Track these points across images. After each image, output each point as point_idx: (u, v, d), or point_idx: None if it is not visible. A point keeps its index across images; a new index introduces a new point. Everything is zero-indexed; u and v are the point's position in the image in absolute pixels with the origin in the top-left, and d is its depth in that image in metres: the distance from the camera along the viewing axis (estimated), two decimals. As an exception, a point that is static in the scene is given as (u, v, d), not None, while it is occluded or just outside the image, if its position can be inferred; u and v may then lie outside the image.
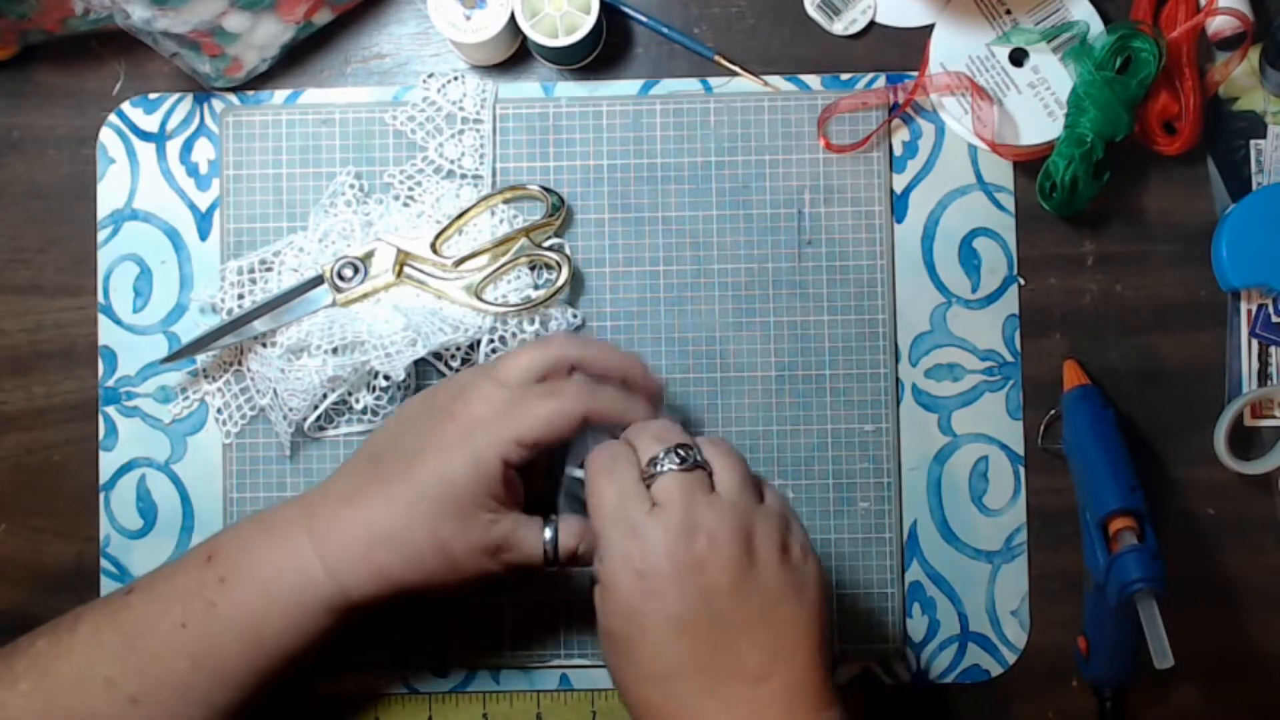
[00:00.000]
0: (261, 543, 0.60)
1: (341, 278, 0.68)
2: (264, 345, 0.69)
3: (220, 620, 0.59)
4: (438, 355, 0.69)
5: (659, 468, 0.56)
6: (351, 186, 0.70)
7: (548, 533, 0.60)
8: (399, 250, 0.68)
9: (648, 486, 0.56)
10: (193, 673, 0.59)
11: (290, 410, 0.68)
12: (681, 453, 0.56)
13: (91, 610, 0.60)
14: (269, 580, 0.59)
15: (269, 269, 0.70)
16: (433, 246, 0.68)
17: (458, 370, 0.69)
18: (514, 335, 0.69)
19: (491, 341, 0.69)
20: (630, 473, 0.56)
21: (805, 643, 0.54)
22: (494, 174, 0.71)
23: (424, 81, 0.71)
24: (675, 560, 0.53)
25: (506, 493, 0.59)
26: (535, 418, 0.58)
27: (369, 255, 0.69)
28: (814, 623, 0.55)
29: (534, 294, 0.69)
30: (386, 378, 0.68)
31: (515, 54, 0.72)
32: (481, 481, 0.58)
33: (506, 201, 0.70)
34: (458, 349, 0.69)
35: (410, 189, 0.70)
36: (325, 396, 0.68)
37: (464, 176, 0.71)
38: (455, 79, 0.71)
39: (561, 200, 0.70)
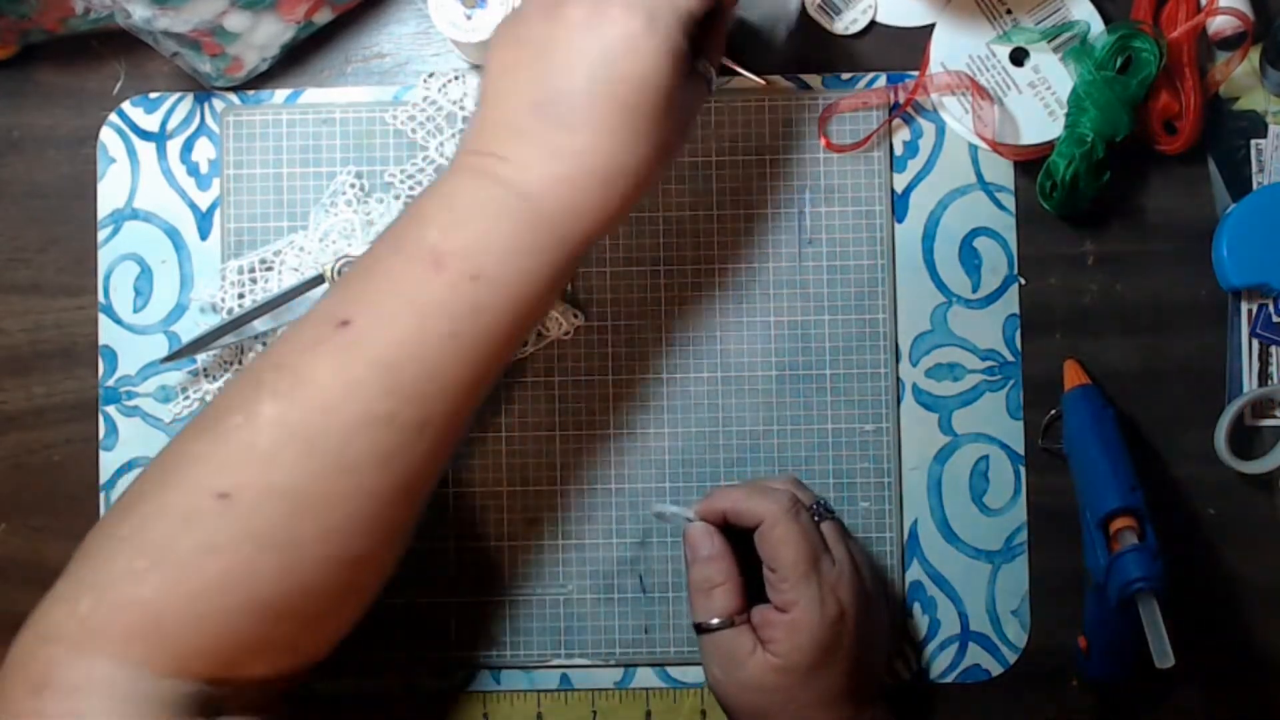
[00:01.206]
0: (495, 232, 0.56)
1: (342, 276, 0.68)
2: (264, 345, 0.69)
3: (490, 314, 0.56)
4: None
5: (816, 518, 0.65)
6: (352, 186, 0.70)
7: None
8: None
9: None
10: (474, 381, 0.56)
11: None
12: (822, 503, 0.66)
13: (301, 355, 0.55)
14: (522, 265, 0.56)
15: (269, 268, 0.70)
16: None
17: None
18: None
19: None
20: (814, 529, 0.64)
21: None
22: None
23: (424, 81, 0.71)
24: (856, 603, 0.62)
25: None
26: None
27: None
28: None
29: None
30: None
31: (515, 53, 0.72)
32: (679, 70, 0.57)
33: None
34: None
35: (411, 188, 0.70)
36: None
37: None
38: (456, 78, 0.71)
39: None
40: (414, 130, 0.71)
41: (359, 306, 0.55)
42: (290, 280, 0.69)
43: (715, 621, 0.63)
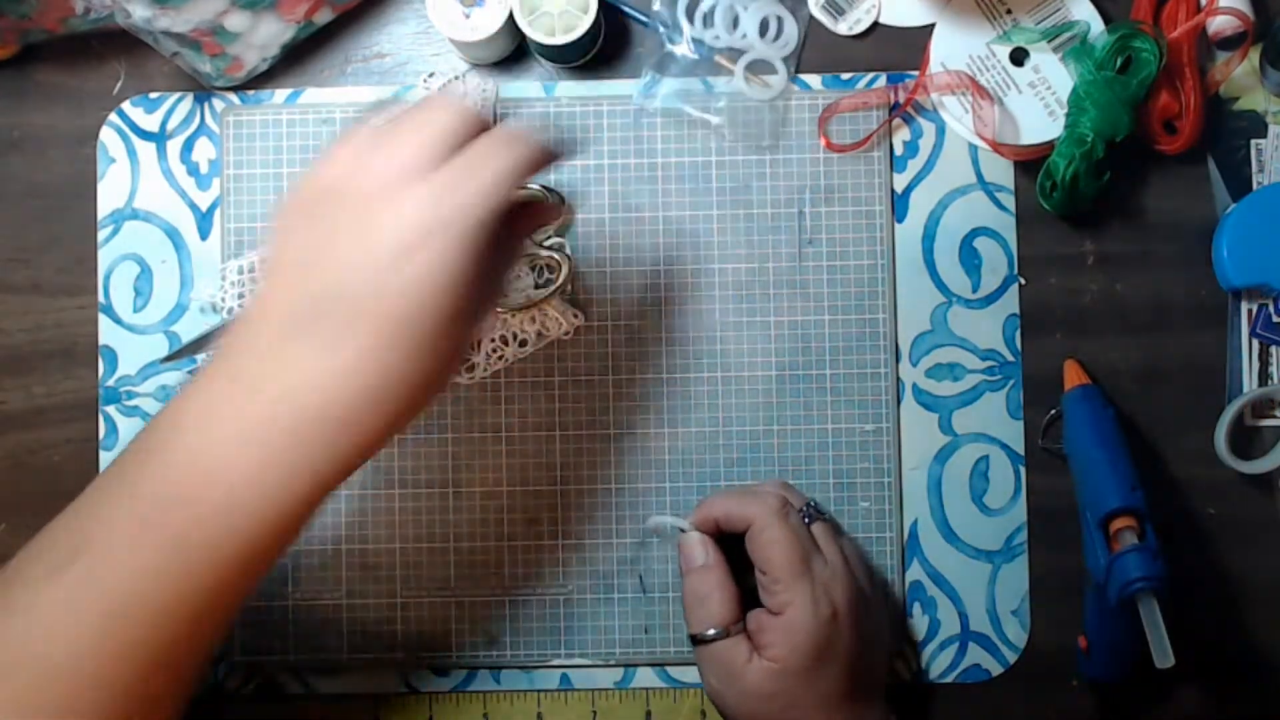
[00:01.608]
0: (243, 459, 0.51)
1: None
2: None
3: (219, 551, 0.51)
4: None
5: (806, 519, 0.65)
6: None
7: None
8: None
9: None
10: (207, 607, 0.52)
11: None
12: (813, 504, 0.67)
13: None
14: (271, 496, 0.51)
15: None
16: None
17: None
18: (514, 336, 0.69)
19: (492, 341, 0.69)
20: (804, 530, 0.64)
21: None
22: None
23: (424, 81, 0.71)
24: (850, 601, 0.63)
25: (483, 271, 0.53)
26: (475, 193, 0.51)
27: None
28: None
29: (534, 294, 0.69)
30: None
31: (515, 53, 0.72)
32: (470, 280, 0.52)
33: None
34: None
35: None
36: None
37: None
38: (456, 78, 0.71)
39: (562, 199, 0.70)
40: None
41: (85, 544, 0.51)
42: None
43: (711, 632, 0.63)
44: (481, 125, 0.53)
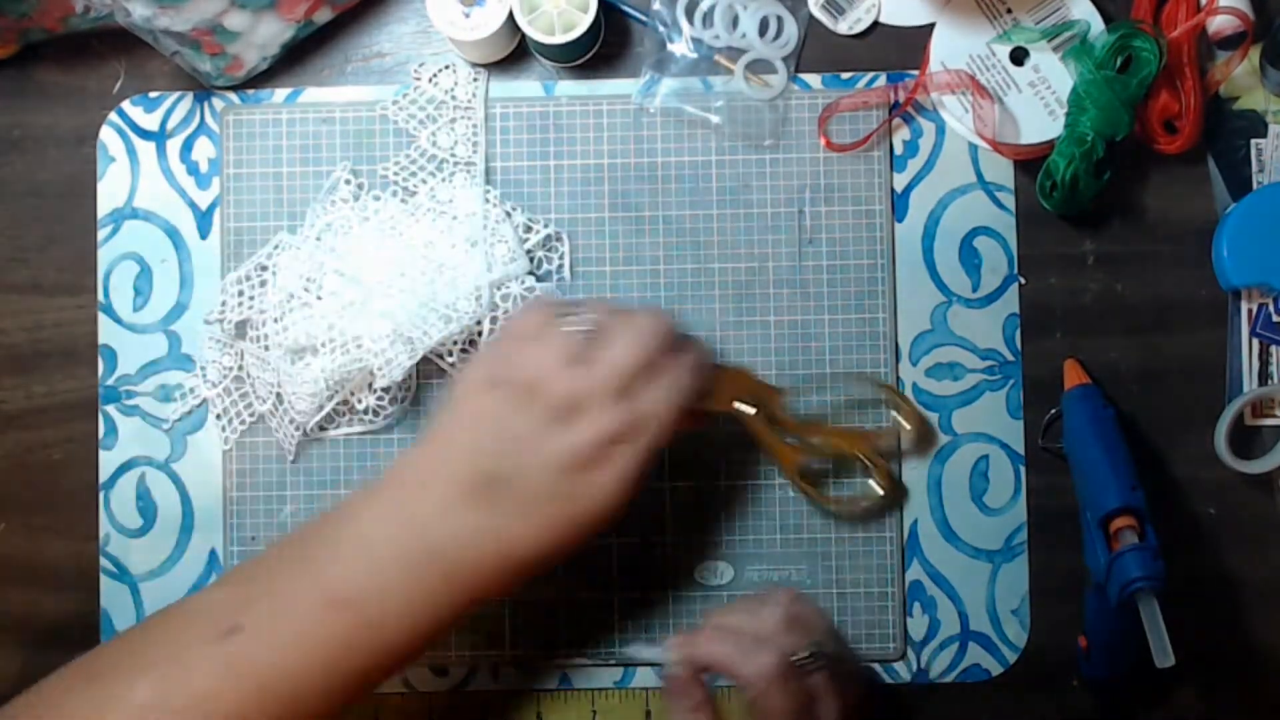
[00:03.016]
0: (401, 585, 0.57)
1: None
2: (266, 349, 0.69)
3: (379, 654, 0.58)
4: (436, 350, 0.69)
5: (807, 667, 0.61)
6: (348, 183, 0.70)
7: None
8: None
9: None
10: (336, 703, 0.58)
11: (298, 413, 0.68)
12: (817, 649, 0.61)
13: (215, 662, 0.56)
14: (418, 619, 0.58)
15: (267, 274, 0.70)
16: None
17: (454, 364, 0.69)
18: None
19: (494, 330, 0.68)
20: (803, 691, 0.60)
21: None
22: (486, 161, 0.71)
23: (415, 71, 0.71)
24: None
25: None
26: (661, 417, 0.59)
27: None
28: None
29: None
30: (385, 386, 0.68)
31: (515, 52, 0.72)
32: (638, 486, 0.60)
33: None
34: (455, 342, 0.68)
35: (405, 180, 0.70)
36: (331, 397, 0.68)
37: (457, 164, 0.70)
38: (446, 68, 0.71)
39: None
40: (406, 120, 0.71)
41: (250, 616, 0.56)
42: (289, 283, 0.68)
43: None
44: (674, 342, 0.61)
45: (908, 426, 0.69)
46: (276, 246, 0.70)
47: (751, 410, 0.66)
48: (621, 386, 0.58)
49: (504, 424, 0.58)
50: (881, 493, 0.68)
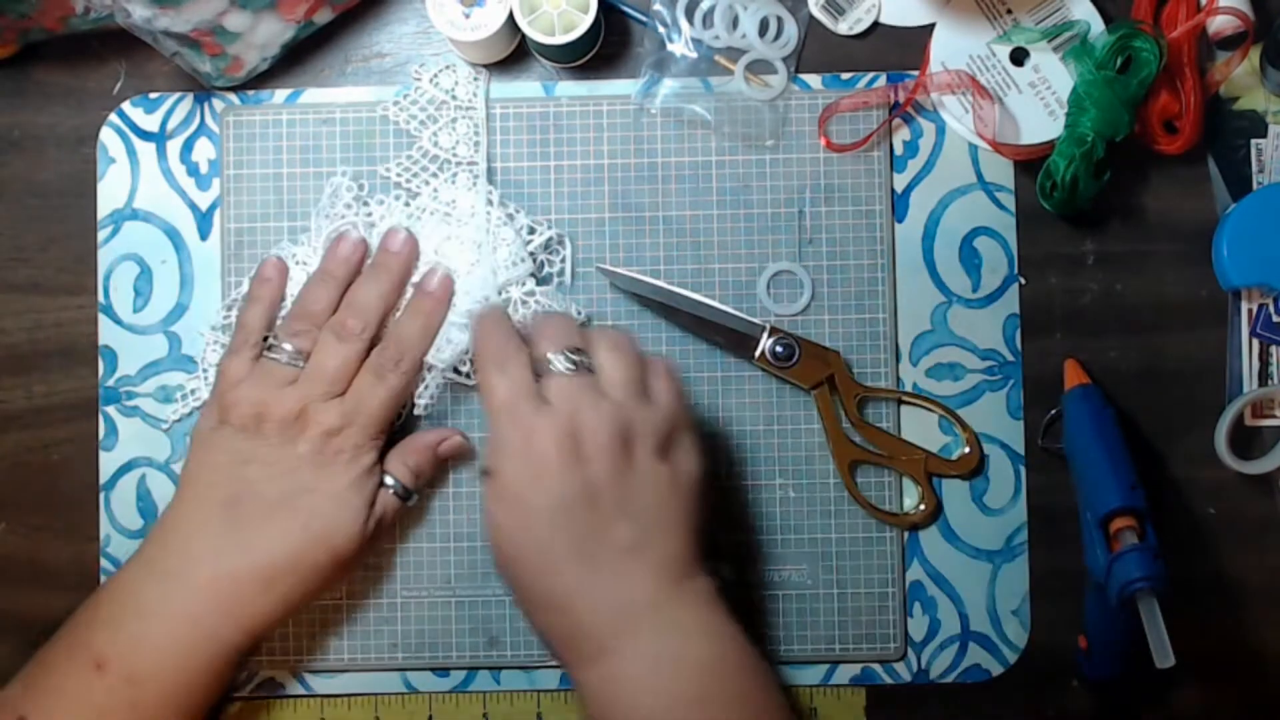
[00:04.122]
0: (152, 632, 0.62)
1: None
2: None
3: (148, 711, 0.61)
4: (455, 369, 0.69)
5: (551, 367, 0.60)
6: (349, 189, 0.70)
7: (389, 479, 0.66)
8: None
9: (538, 379, 0.61)
10: None
11: None
12: (573, 357, 0.61)
13: None
14: (179, 664, 0.62)
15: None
16: None
17: (467, 375, 0.69)
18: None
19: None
20: (523, 372, 0.61)
21: (674, 525, 0.60)
22: (488, 161, 0.71)
23: (416, 71, 0.71)
24: (560, 453, 0.59)
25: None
26: (371, 408, 0.65)
27: None
28: (683, 510, 0.61)
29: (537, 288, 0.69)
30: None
31: (515, 53, 0.72)
32: (366, 495, 0.65)
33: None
34: (466, 351, 0.68)
35: (407, 181, 0.70)
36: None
37: (459, 164, 0.70)
38: (447, 68, 0.71)
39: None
40: (407, 120, 0.71)
41: (30, 704, 0.61)
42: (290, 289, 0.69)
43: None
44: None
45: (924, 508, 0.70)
46: (280, 257, 0.69)
47: None
48: (331, 390, 0.64)
49: (238, 454, 0.64)
50: (923, 508, 0.69)
